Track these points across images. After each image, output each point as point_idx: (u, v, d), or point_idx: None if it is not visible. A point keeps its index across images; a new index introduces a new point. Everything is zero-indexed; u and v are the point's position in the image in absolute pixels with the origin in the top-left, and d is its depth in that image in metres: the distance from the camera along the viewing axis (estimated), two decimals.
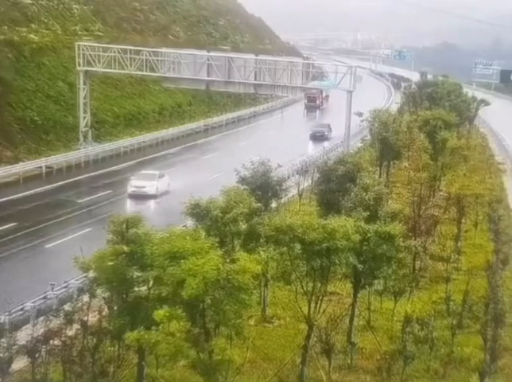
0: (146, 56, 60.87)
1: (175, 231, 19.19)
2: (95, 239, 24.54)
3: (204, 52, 63.34)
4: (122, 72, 62.82)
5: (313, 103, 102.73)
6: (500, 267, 28.57)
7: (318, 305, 21.65)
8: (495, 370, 21.84)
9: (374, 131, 51.74)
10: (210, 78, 60.57)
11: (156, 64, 61.26)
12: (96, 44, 63.85)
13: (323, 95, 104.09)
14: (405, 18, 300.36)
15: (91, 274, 20.01)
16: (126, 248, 18.74)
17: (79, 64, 61.81)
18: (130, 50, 61.85)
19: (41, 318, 22.68)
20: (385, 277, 24.57)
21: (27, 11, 72.18)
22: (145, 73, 62.91)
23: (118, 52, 61.07)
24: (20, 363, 20.82)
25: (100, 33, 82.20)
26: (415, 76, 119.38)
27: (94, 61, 61.34)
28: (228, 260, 17.55)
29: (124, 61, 61.06)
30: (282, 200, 35.08)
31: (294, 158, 54.54)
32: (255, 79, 59.87)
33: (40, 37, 70.19)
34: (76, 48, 62.00)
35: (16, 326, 22.47)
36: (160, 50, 62.36)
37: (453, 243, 35.69)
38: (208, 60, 60.62)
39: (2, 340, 19.87)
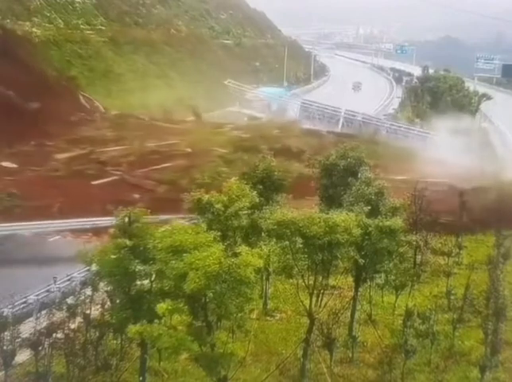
0: None
1: (177, 225, 19.26)
2: None
3: None
4: None
5: None
6: (501, 262, 28.57)
7: (319, 299, 21.77)
8: (496, 364, 21.99)
9: None
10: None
11: None
12: None
13: None
14: (406, 12, 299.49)
15: (94, 267, 20.12)
16: (128, 242, 18.85)
17: None
18: None
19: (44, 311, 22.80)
20: (387, 271, 24.69)
21: (30, 5, 72.16)
22: None
23: None
24: (23, 355, 20.96)
25: (102, 27, 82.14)
26: (417, 71, 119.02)
27: None
28: (230, 254, 17.63)
29: None
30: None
31: None
32: None
33: (43, 30, 70.20)
34: None
35: (19, 319, 22.55)
36: None
37: (454, 237, 35.72)
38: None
39: (6, 333, 19.98)
